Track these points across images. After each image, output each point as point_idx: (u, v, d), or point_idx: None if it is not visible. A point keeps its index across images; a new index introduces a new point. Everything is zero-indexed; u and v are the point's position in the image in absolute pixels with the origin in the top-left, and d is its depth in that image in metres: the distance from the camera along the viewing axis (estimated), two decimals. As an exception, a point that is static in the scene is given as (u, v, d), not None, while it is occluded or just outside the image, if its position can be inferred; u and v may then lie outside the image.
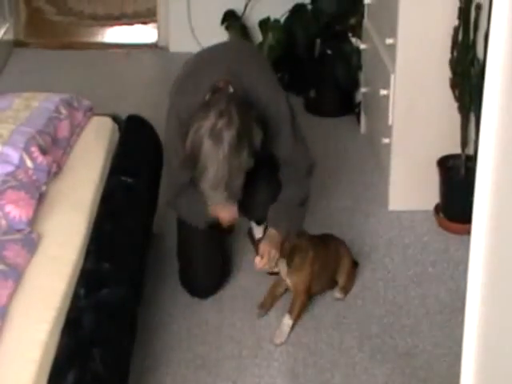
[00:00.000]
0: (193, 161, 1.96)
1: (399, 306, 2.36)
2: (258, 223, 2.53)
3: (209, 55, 2.26)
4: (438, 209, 2.75)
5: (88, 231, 2.09)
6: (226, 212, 2.22)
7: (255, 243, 2.55)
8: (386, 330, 2.27)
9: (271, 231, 2.24)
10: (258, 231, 2.58)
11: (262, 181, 2.23)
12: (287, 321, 2.22)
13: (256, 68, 2.17)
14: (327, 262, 2.31)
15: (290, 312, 2.23)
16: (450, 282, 2.46)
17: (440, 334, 2.25)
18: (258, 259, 2.19)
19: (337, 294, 2.37)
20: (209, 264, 2.36)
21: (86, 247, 2.03)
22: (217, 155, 1.93)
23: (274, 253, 2.20)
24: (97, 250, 2.03)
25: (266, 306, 2.31)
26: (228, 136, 1.93)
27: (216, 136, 1.93)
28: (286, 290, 2.31)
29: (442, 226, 2.72)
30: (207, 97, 2.03)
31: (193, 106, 2.03)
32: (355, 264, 2.46)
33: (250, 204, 2.31)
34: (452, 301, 2.37)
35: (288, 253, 2.22)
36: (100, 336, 1.78)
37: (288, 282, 2.26)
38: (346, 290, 2.36)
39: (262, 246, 2.21)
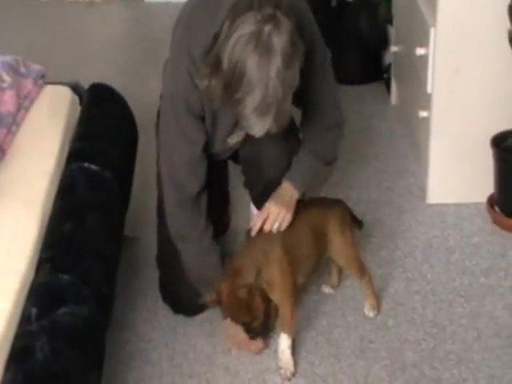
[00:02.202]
0: (232, 86, 1.93)
1: (442, 328, 2.36)
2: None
3: None
4: (492, 201, 2.75)
5: (41, 234, 2.08)
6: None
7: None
8: (425, 358, 2.26)
9: (284, 186, 2.24)
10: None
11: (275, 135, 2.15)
12: (285, 342, 2.21)
13: None
14: (305, 245, 2.24)
15: (284, 328, 2.22)
16: (508, 295, 2.45)
17: (496, 363, 2.24)
18: (257, 217, 2.18)
19: (366, 310, 2.38)
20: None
21: (38, 255, 2.03)
22: (267, 70, 1.90)
23: (284, 213, 2.20)
24: (52, 258, 2.02)
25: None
26: (280, 43, 1.91)
27: (265, 45, 1.90)
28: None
29: (498, 223, 2.71)
30: (228, 17, 1.97)
31: (209, 40, 2.02)
32: (359, 224, 2.39)
33: (257, 167, 2.30)
34: None
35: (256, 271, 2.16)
36: (57, 369, 1.78)
37: (270, 295, 2.23)
38: (376, 304, 2.37)
39: (267, 205, 2.20)
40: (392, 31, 3.37)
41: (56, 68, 2.88)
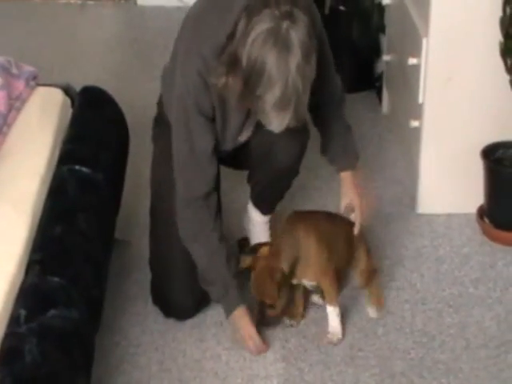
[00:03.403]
0: (252, 83, 1.98)
1: (431, 337, 2.36)
2: (264, 210, 2.52)
3: None
4: (481, 212, 2.75)
5: (31, 236, 2.07)
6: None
7: (248, 250, 2.54)
8: (414, 367, 2.26)
9: (343, 177, 2.42)
10: (257, 230, 2.55)
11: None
12: (333, 312, 2.30)
13: None
14: (335, 235, 2.34)
15: (329, 300, 2.30)
16: (497, 306, 2.46)
17: (484, 373, 2.25)
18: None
19: (370, 310, 2.40)
20: (190, 275, 2.34)
21: (28, 256, 2.02)
22: (287, 66, 1.95)
23: (363, 201, 2.40)
24: (42, 260, 2.01)
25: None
26: (298, 38, 1.96)
27: (283, 41, 1.95)
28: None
29: (488, 234, 2.72)
30: (243, 14, 2.00)
31: (220, 40, 2.05)
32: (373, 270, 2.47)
33: (268, 155, 2.33)
34: (500, 331, 2.37)
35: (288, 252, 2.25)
36: (45, 371, 1.77)
37: (304, 282, 2.31)
38: (379, 303, 2.40)
39: (348, 198, 2.38)
40: (384, 40, 3.38)
41: (47, 69, 2.88)
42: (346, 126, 2.44)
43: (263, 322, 2.28)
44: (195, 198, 2.23)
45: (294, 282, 2.28)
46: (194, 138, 2.20)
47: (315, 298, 2.44)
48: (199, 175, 2.23)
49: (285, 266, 2.22)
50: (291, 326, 2.36)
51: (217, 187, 2.48)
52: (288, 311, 2.35)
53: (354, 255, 2.39)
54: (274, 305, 2.25)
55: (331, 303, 2.30)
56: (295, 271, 2.24)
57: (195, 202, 2.24)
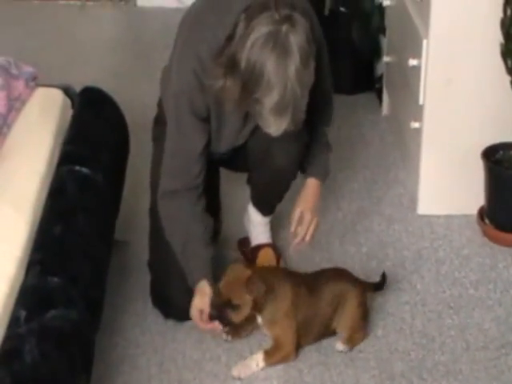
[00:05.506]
0: (251, 86, 1.98)
1: (431, 339, 2.36)
2: (264, 211, 2.52)
3: None
4: (482, 213, 2.76)
5: (31, 236, 2.08)
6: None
7: (247, 252, 2.53)
8: (414, 368, 2.27)
9: (309, 183, 2.40)
10: (257, 230, 2.55)
11: None
12: (260, 361, 2.23)
13: None
14: (317, 310, 2.28)
15: (267, 356, 2.23)
16: (497, 308, 2.47)
17: (484, 375, 2.25)
18: (294, 228, 2.33)
19: (339, 345, 2.31)
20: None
21: (27, 257, 2.02)
22: (286, 71, 1.96)
23: (316, 219, 2.37)
24: (42, 260, 2.02)
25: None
26: (297, 43, 1.97)
27: (282, 45, 1.96)
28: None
29: (488, 235, 2.73)
30: (242, 17, 2.01)
31: (218, 41, 2.06)
32: (380, 284, 2.41)
33: (266, 155, 2.33)
34: (500, 332, 2.37)
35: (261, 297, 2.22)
36: (45, 371, 1.77)
37: (267, 332, 2.28)
38: (352, 342, 2.32)
39: (299, 210, 2.34)
40: (384, 41, 3.38)
41: (47, 70, 2.87)
42: (326, 143, 2.45)
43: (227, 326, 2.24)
44: (175, 191, 2.24)
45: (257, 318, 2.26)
46: (184, 137, 2.21)
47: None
48: (184, 171, 2.24)
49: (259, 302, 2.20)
50: (226, 340, 2.32)
51: (215, 187, 2.49)
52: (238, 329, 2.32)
53: (336, 318, 2.31)
54: (239, 307, 2.19)
55: (267, 361, 2.22)
56: (262, 312, 2.23)
57: (175, 194, 2.25)
